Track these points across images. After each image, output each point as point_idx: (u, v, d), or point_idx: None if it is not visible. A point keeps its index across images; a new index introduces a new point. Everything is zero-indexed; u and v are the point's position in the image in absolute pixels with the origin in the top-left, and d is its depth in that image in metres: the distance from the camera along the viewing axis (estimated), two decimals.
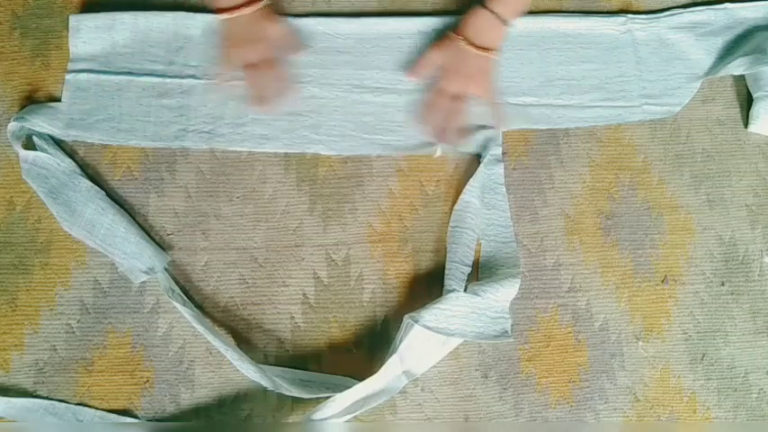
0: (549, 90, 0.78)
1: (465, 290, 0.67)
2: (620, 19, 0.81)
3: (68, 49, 0.75)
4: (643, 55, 0.80)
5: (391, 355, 0.63)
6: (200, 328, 0.64)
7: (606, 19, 0.81)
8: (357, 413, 0.63)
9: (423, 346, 0.65)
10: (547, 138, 0.77)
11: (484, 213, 0.72)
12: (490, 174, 0.73)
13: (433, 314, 0.64)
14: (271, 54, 0.73)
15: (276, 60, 0.73)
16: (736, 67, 0.78)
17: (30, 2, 0.78)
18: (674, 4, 0.83)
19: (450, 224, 0.71)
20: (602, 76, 0.79)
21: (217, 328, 0.67)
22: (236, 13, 0.70)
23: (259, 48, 0.72)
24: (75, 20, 0.75)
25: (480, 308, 0.65)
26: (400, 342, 0.64)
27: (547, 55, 0.80)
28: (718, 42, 0.81)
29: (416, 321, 0.63)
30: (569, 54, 0.80)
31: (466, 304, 0.65)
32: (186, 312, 0.64)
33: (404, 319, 0.64)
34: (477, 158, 0.75)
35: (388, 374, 0.64)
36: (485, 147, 0.75)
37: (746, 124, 0.79)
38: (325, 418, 0.62)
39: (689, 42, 0.81)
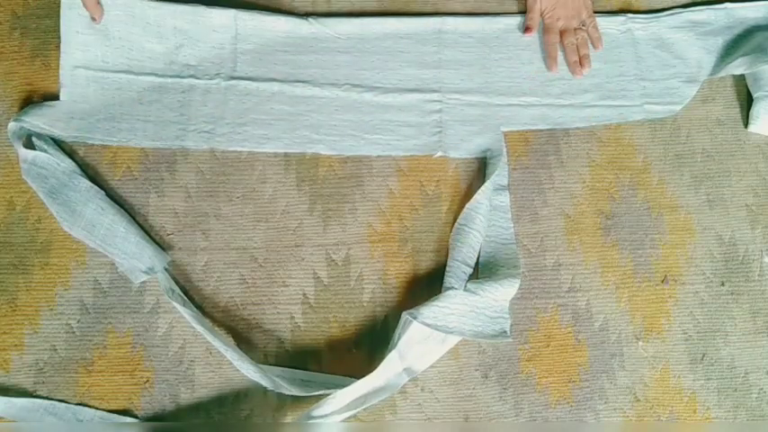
0: (549, 90, 0.78)
1: (464, 288, 0.67)
2: (620, 18, 0.81)
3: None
4: (643, 54, 0.80)
5: (390, 352, 0.63)
6: (199, 329, 0.64)
7: (606, 18, 0.81)
8: (358, 410, 0.63)
9: (422, 343, 0.65)
10: (547, 138, 0.77)
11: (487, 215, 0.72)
12: (496, 175, 0.73)
13: (431, 311, 0.64)
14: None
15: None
16: (737, 66, 0.78)
17: (30, 2, 0.78)
18: (675, 4, 0.83)
19: (458, 222, 0.71)
20: (603, 76, 0.79)
21: (217, 329, 0.67)
22: None
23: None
24: (66, 4, 0.74)
25: (479, 307, 0.65)
26: (399, 338, 0.64)
27: None
28: (719, 42, 0.81)
29: (415, 318, 0.63)
30: None
31: (464, 302, 0.65)
32: (186, 313, 0.64)
33: (402, 315, 0.64)
34: (477, 160, 0.75)
35: (388, 371, 0.64)
36: (488, 149, 0.75)
37: (746, 124, 0.79)
38: (326, 415, 0.62)
39: (689, 42, 0.81)
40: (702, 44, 0.81)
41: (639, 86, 0.79)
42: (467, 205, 0.71)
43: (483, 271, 0.70)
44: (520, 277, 0.68)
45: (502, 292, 0.66)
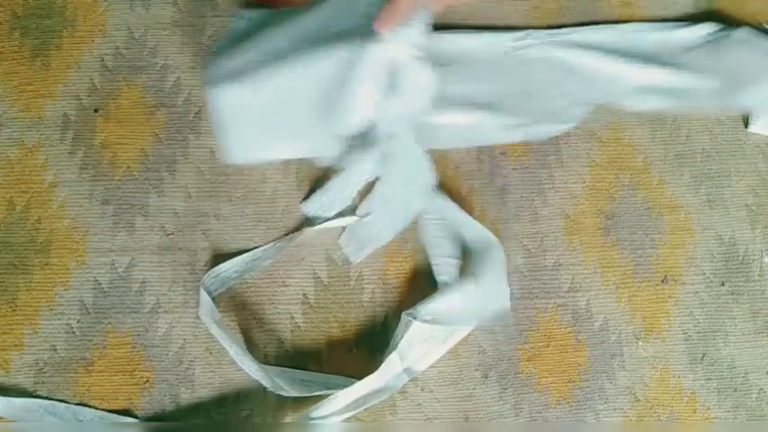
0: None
1: (457, 281, 0.67)
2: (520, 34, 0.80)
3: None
4: (534, 74, 0.78)
5: (391, 353, 0.63)
6: (206, 320, 0.64)
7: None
8: (357, 411, 0.63)
9: (423, 343, 0.65)
10: (547, 138, 0.76)
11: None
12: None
13: (430, 308, 0.64)
14: None
15: None
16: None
17: (30, 2, 0.78)
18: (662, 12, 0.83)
19: (428, 216, 0.70)
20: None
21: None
22: None
23: None
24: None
25: (477, 294, 0.65)
26: (400, 339, 0.64)
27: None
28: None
29: (414, 318, 0.63)
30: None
31: (461, 291, 0.65)
32: (205, 301, 0.65)
33: (402, 316, 0.64)
34: (477, 160, 0.75)
35: (388, 372, 0.64)
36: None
37: (747, 124, 0.79)
38: (325, 416, 0.62)
39: (586, 62, 0.78)
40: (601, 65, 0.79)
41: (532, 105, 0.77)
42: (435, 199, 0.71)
43: (465, 257, 0.70)
44: (502, 248, 0.68)
45: (493, 270, 0.66)
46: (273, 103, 0.65)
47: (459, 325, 0.64)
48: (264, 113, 0.66)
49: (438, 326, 0.64)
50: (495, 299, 0.66)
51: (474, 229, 0.70)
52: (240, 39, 0.69)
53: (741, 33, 0.80)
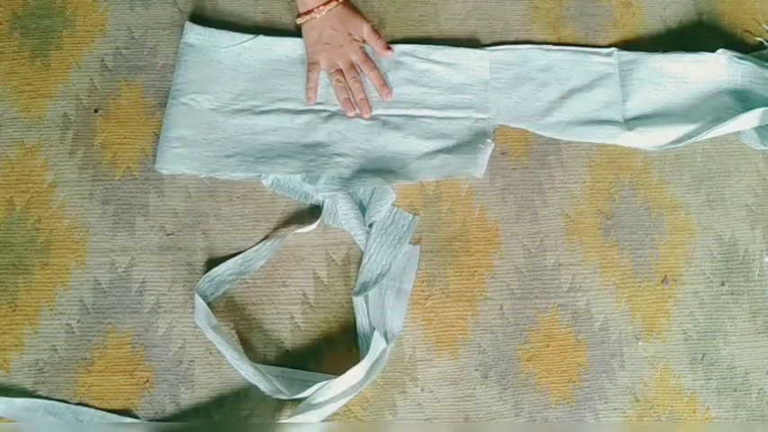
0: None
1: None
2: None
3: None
4: None
5: (373, 333, 0.64)
6: (202, 326, 0.64)
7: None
8: (355, 394, 0.63)
9: (381, 304, 0.67)
10: (547, 138, 0.77)
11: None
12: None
13: (362, 279, 0.68)
14: (357, 56, 0.75)
15: (366, 61, 0.76)
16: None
17: (30, 2, 0.78)
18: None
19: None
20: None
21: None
22: (309, 16, 0.74)
23: (343, 50, 0.74)
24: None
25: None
26: (367, 316, 0.66)
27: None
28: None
29: (359, 293, 0.66)
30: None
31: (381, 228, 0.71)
32: (202, 308, 0.65)
33: (353, 300, 0.66)
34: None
35: (375, 351, 0.64)
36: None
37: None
38: (324, 402, 0.62)
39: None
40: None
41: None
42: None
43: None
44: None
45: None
46: (231, 132, 0.73)
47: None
48: (217, 138, 0.72)
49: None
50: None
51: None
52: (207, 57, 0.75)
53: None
